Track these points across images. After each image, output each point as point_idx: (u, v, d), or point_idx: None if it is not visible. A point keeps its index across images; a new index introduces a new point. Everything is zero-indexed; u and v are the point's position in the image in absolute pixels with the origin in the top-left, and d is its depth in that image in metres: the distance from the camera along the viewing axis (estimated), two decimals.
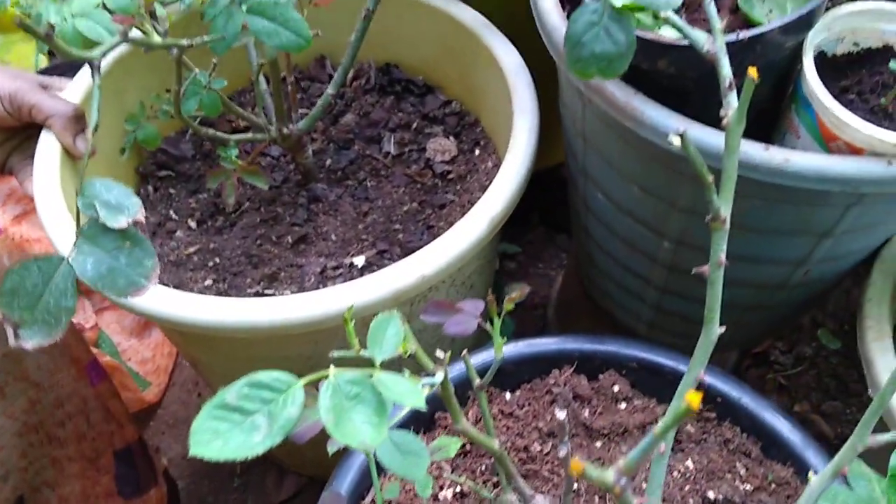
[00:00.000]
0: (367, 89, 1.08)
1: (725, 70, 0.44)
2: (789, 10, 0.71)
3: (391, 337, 0.41)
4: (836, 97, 0.69)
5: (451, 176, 0.99)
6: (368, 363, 0.43)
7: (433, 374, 0.49)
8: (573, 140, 0.87)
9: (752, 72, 0.42)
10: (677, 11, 0.64)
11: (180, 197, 1.00)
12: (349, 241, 0.94)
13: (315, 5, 0.79)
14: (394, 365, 0.43)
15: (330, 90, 0.90)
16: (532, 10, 0.78)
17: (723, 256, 0.45)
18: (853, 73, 0.71)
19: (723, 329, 0.47)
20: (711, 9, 0.45)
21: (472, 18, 0.97)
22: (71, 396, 0.79)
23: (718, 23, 0.45)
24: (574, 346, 0.72)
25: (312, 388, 0.41)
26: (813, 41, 0.67)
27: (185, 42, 0.67)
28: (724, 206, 0.43)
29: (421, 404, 0.38)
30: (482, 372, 0.61)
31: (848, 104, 0.68)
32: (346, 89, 1.09)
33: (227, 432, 0.36)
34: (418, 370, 0.47)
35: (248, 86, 1.11)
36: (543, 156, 1.08)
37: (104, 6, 0.73)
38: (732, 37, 0.62)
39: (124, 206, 0.51)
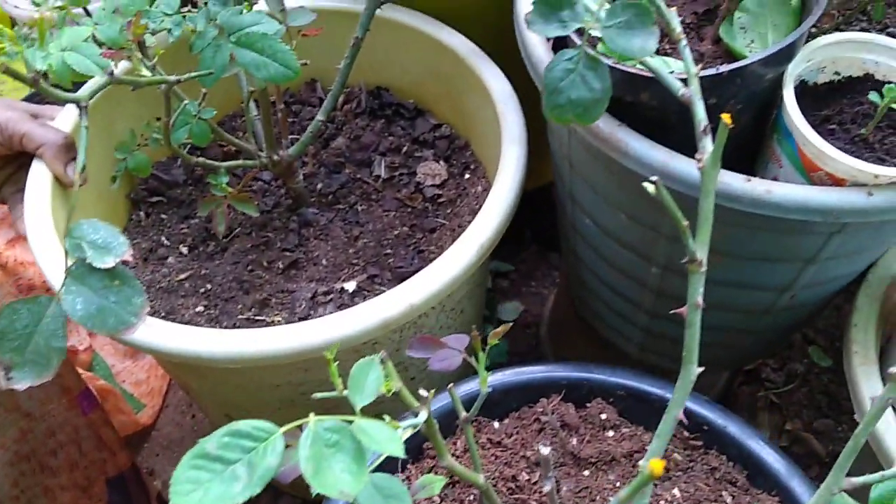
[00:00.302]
0: (357, 113, 1.09)
1: (700, 114, 0.45)
2: (770, 42, 0.72)
3: (372, 382, 0.42)
4: (817, 127, 0.69)
5: (441, 200, 1.00)
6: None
7: (416, 414, 0.50)
8: (560, 164, 0.88)
9: (726, 118, 0.43)
10: (660, 41, 0.65)
11: (172, 223, 1.00)
12: (340, 266, 0.94)
13: (304, 36, 0.80)
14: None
15: (320, 116, 0.91)
16: (518, 40, 0.79)
17: (700, 299, 0.46)
18: (834, 102, 0.72)
19: (701, 370, 0.48)
20: (686, 53, 0.46)
21: (462, 44, 0.97)
22: (63, 426, 0.79)
23: (693, 67, 0.46)
24: (562, 374, 0.73)
25: (297, 428, 0.41)
26: (793, 72, 0.68)
27: (173, 78, 0.67)
28: (701, 250, 0.44)
29: (400, 453, 0.38)
30: (470, 402, 0.61)
31: (829, 134, 0.69)
32: (337, 113, 1.09)
33: (207, 482, 0.36)
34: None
35: (240, 110, 1.11)
36: (537, 174, 1.09)
37: (94, 38, 0.74)
38: (712, 70, 0.63)
39: (112, 246, 0.51)
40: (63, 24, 0.80)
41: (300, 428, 0.41)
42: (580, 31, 0.44)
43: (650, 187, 0.41)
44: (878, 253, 0.83)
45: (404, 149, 1.05)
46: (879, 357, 0.83)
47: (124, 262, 0.51)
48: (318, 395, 0.47)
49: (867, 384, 0.76)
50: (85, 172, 0.87)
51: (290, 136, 1.06)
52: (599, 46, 0.47)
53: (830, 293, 0.85)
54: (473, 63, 0.95)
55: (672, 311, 0.47)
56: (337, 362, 0.77)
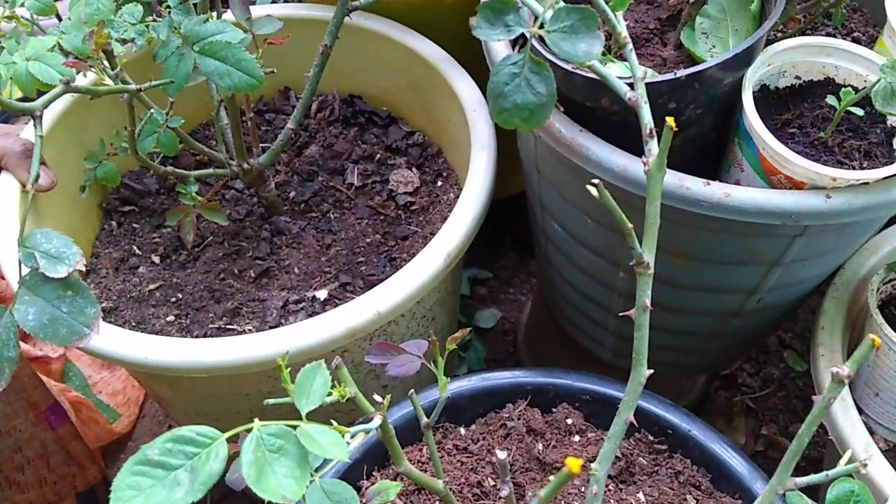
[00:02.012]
0: (331, 121, 1.09)
1: (646, 118, 0.45)
2: (731, 45, 0.72)
3: (319, 387, 0.42)
4: (777, 130, 0.70)
5: (413, 207, 1.00)
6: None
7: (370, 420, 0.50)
8: (529, 171, 0.88)
9: (670, 121, 0.43)
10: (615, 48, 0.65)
11: (144, 232, 1.00)
12: (312, 275, 0.94)
13: (270, 44, 0.80)
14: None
15: (290, 125, 0.91)
16: (483, 46, 0.79)
17: (648, 301, 0.46)
18: (795, 105, 0.72)
19: (650, 371, 0.48)
20: (632, 57, 0.46)
21: (433, 52, 0.98)
22: (30, 441, 0.79)
23: (640, 71, 0.46)
24: (528, 379, 0.73)
25: (244, 433, 0.41)
26: (752, 77, 0.68)
27: (133, 87, 0.67)
28: (648, 252, 0.44)
29: (344, 457, 0.38)
30: (434, 407, 0.61)
31: (789, 138, 0.70)
32: (311, 121, 1.10)
33: (149, 488, 0.36)
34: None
35: (212, 119, 1.11)
36: (515, 181, 1.10)
37: (60, 48, 0.74)
38: (669, 75, 0.64)
39: (65, 256, 0.51)
40: (31, 33, 0.81)
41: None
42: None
43: (593, 190, 0.42)
44: (844, 256, 0.83)
45: (377, 156, 1.05)
46: (847, 359, 0.84)
47: (77, 272, 0.51)
48: (271, 401, 0.47)
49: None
50: (54, 180, 0.87)
51: (263, 145, 1.06)
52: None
53: (799, 296, 0.86)
54: (444, 70, 0.95)
55: (621, 314, 0.47)
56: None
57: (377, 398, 0.51)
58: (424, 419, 0.59)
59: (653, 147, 0.44)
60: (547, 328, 1.29)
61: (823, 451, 1.17)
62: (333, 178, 1.04)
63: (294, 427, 0.39)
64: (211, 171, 0.92)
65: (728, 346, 0.96)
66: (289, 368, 0.49)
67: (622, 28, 0.46)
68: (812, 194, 0.64)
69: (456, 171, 1.01)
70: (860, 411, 0.83)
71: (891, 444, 0.84)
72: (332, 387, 0.48)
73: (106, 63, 0.69)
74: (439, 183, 1.01)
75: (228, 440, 0.39)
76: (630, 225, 0.44)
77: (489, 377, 0.73)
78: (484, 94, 0.93)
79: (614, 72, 0.69)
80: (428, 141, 1.05)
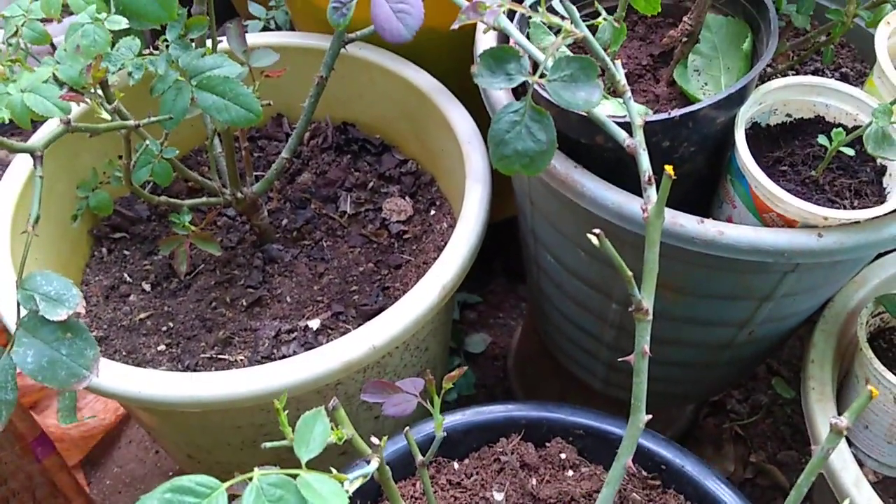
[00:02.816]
0: (324, 148, 1.09)
1: (644, 164, 0.46)
2: (723, 84, 0.73)
3: (319, 434, 0.42)
4: (769, 168, 0.71)
5: (406, 236, 1.00)
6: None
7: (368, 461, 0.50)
8: (522, 201, 0.89)
9: (669, 169, 0.43)
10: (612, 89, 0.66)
11: (135, 259, 1.00)
12: (304, 304, 0.94)
13: (267, 77, 0.80)
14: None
15: (284, 154, 0.91)
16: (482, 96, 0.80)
17: (647, 347, 0.46)
18: (786, 143, 0.73)
19: (649, 417, 0.48)
20: (631, 105, 0.46)
21: (428, 82, 0.98)
22: (15, 473, 0.78)
23: (638, 118, 0.46)
24: (521, 413, 0.73)
25: (244, 481, 0.41)
26: (745, 115, 0.69)
27: (131, 123, 0.67)
28: (647, 298, 0.45)
29: None
30: (430, 442, 0.61)
31: (780, 175, 0.70)
32: (304, 148, 1.10)
33: None
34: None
35: (205, 144, 1.11)
36: (505, 206, 1.10)
37: (55, 77, 0.74)
38: (664, 115, 0.64)
39: (64, 299, 0.51)
40: (24, 62, 0.81)
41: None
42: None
43: (594, 239, 0.42)
44: (834, 289, 0.84)
45: (370, 184, 1.05)
46: (837, 391, 0.85)
47: (77, 315, 0.51)
48: (268, 444, 0.47)
49: (824, 421, 0.77)
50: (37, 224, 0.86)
51: (256, 172, 1.06)
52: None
53: (789, 328, 0.86)
54: (438, 101, 0.96)
55: (620, 360, 0.47)
56: (299, 403, 0.77)
57: (374, 440, 0.51)
58: (420, 457, 0.59)
59: (651, 194, 0.45)
60: (537, 354, 1.29)
61: (812, 479, 1.17)
62: (326, 205, 1.04)
63: (294, 476, 0.39)
64: (204, 199, 0.92)
65: (719, 376, 0.97)
66: (285, 411, 0.49)
67: (621, 76, 0.47)
68: (804, 233, 0.65)
69: (449, 200, 1.01)
70: (849, 443, 0.83)
71: (880, 477, 0.85)
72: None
73: (102, 94, 0.69)
74: (432, 212, 1.02)
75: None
76: (630, 273, 0.45)
77: (483, 411, 0.73)
78: (478, 125, 0.94)
79: (608, 109, 0.70)
80: (421, 169, 1.06)
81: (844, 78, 0.87)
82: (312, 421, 0.42)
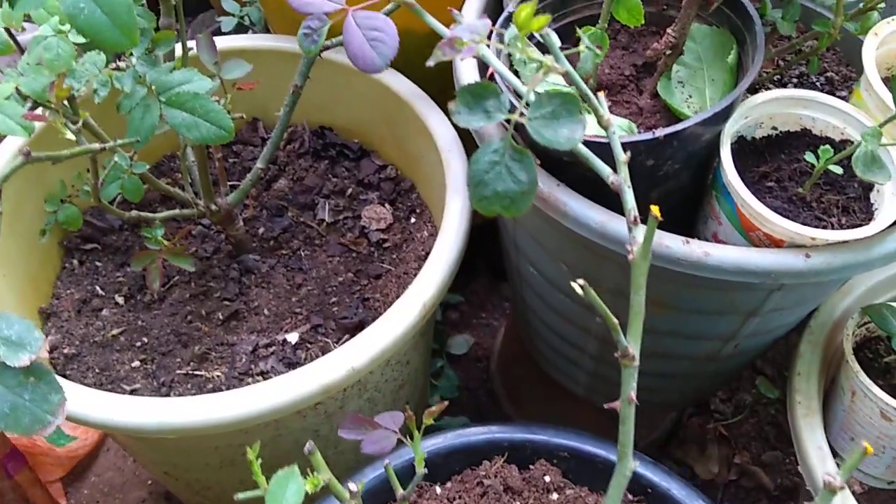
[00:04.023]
0: (300, 153, 1.07)
1: (629, 203, 0.44)
2: (708, 96, 0.72)
3: (292, 494, 0.40)
4: (755, 183, 0.69)
5: (386, 245, 0.98)
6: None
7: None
8: None
9: (655, 210, 0.42)
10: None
11: (107, 270, 0.97)
12: (282, 316, 0.92)
13: (239, 89, 0.78)
14: None
15: (259, 164, 0.89)
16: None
17: (633, 394, 0.45)
18: (772, 157, 0.72)
19: (637, 464, 0.47)
20: (615, 139, 0.45)
21: (407, 88, 0.96)
22: None
23: (622, 154, 0.45)
24: (504, 435, 0.72)
25: None
26: (730, 131, 0.67)
27: (97, 146, 0.65)
28: (634, 343, 0.43)
29: None
30: (411, 468, 0.59)
31: (767, 192, 0.69)
32: (280, 153, 1.07)
33: None
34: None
35: (177, 150, 1.08)
36: None
37: (17, 91, 0.71)
38: (648, 135, 0.63)
39: (26, 342, 0.49)
40: None
41: None
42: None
43: (578, 289, 0.40)
44: (821, 301, 0.83)
45: (349, 191, 1.03)
46: (823, 401, 0.84)
47: (39, 359, 0.49)
48: (241, 495, 0.45)
49: (810, 437, 0.76)
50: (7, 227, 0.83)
51: (231, 180, 1.04)
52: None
53: (775, 339, 0.86)
54: (417, 107, 0.94)
55: (606, 405, 0.45)
56: (278, 424, 0.75)
57: (352, 486, 0.49)
58: (400, 491, 0.57)
59: (637, 235, 0.43)
60: (521, 355, 1.28)
61: (796, 479, 1.17)
62: (304, 213, 1.02)
63: None
64: (176, 212, 0.89)
65: (703, 385, 0.96)
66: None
67: (605, 111, 0.45)
68: (791, 253, 0.63)
69: (430, 208, 0.99)
70: (835, 454, 0.83)
71: (865, 488, 0.85)
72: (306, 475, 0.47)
73: (66, 113, 0.67)
74: (412, 219, 1.00)
75: None
76: (615, 321, 0.43)
77: (465, 433, 0.72)
78: (458, 131, 0.91)
79: (589, 127, 0.68)
80: (400, 175, 1.04)
81: (830, 82, 0.86)
82: (286, 480, 0.41)
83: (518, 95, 0.43)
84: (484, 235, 1.30)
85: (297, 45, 1.01)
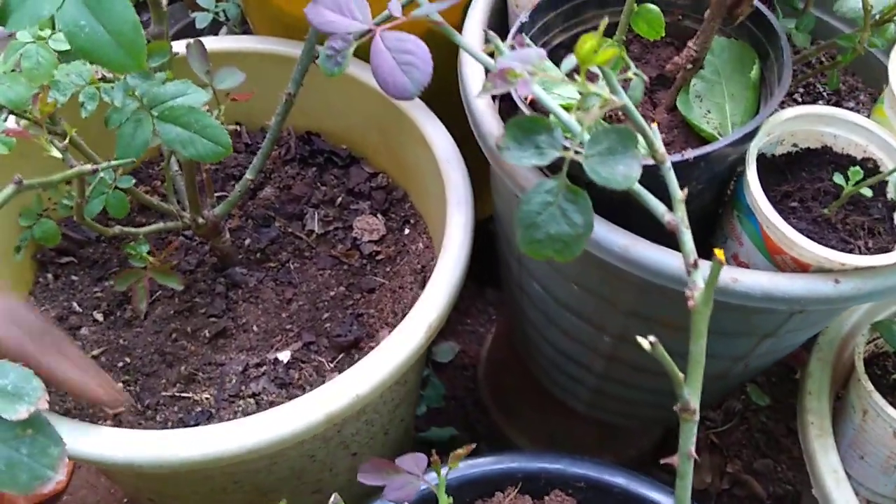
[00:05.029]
0: (287, 160, 1.02)
1: (688, 244, 0.41)
2: (728, 113, 0.69)
3: None
4: (777, 203, 0.67)
5: (379, 257, 0.94)
6: None
7: None
8: (506, 227, 0.84)
9: (719, 254, 0.39)
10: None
11: (84, 285, 0.92)
12: (272, 333, 0.88)
13: (233, 100, 0.73)
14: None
15: (248, 175, 0.84)
16: (462, 100, 0.74)
17: (692, 448, 0.42)
18: (794, 175, 0.70)
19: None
20: (671, 176, 0.42)
21: None
22: None
23: (679, 193, 0.42)
24: (517, 465, 0.69)
25: None
26: (755, 151, 0.65)
27: (88, 168, 0.60)
28: (694, 397, 0.40)
29: None
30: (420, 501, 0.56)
31: (791, 212, 0.67)
32: None
33: None
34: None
35: (160, 155, 1.03)
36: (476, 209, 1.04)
37: None
38: (678, 157, 0.60)
39: (24, 393, 0.44)
40: None
41: None
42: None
43: (646, 344, 0.37)
44: (833, 321, 0.82)
45: (338, 200, 0.99)
46: (832, 416, 0.82)
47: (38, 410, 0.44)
48: None
49: (824, 459, 0.75)
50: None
51: (216, 190, 0.99)
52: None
53: (783, 356, 0.84)
54: (414, 115, 0.90)
55: (663, 462, 0.43)
56: (276, 454, 0.71)
57: None
58: None
59: (697, 279, 0.40)
60: (509, 363, 1.25)
61: (788, 487, 1.17)
62: (292, 223, 0.97)
63: None
64: (161, 225, 0.85)
65: (704, 400, 0.94)
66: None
67: (660, 144, 0.42)
68: (820, 279, 0.61)
69: (424, 218, 0.96)
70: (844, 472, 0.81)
71: None
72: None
73: (49, 129, 0.62)
74: (406, 231, 0.96)
75: None
76: (681, 375, 0.40)
77: (476, 464, 0.69)
78: (456, 140, 0.88)
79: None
80: (393, 184, 1.00)
81: (837, 93, 0.84)
82: None
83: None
84: None
85: (285, 48, 0.98)
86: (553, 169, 0.59)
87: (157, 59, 0.63)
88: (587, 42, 0.35)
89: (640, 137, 0.44)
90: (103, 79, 0.66)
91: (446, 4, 0.45)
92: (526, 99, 0.61)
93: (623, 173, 0.39)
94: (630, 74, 0.43)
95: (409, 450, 1.08)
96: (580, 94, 0.38)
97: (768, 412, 1.24)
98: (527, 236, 0.39)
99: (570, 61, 0.38)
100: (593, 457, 1.13)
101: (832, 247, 0.62)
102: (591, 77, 0.42)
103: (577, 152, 0.39)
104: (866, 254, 0.63)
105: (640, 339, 0.38)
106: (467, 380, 1.31)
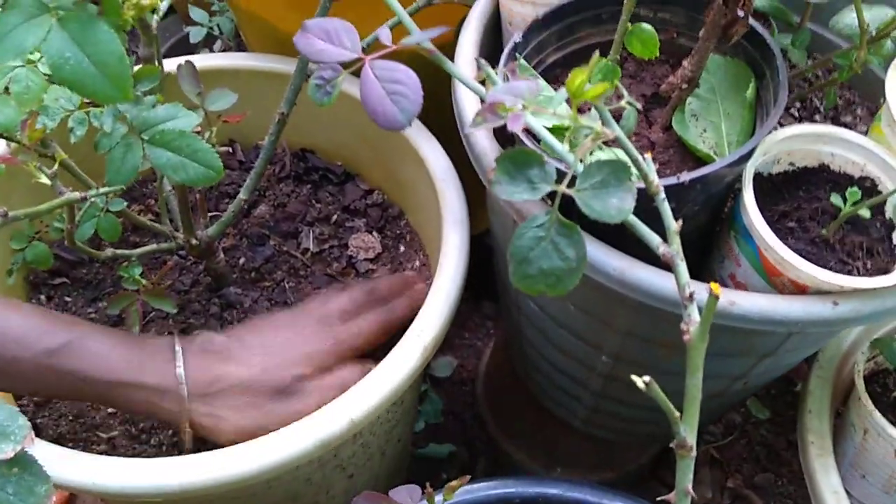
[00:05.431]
0: (281, 177, 1.02)
1: (684, 277, 0.40)
2: (724, 132, 0.69)
3: None
4: (775, 223, 0.67)
5: (376, 275, 0.93)
6: None
7: None
8: (502, 244, 0.83)
9: (715, 288, 0.38)
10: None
11: (77, 306, 0.91)
12: None
13: (225, 122, 0.72)
14: None
15: (242, 195, 0.83)
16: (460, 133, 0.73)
17: (689, 486, 0.41)
18: (790, 194, 0.69)
19: None
20: (665, 207, 0.41)
21: None
22: None
23: (674, 225, 0.41)
24: (514, 490, 0.68)
25: None
26: (751, 170, 0.64)
27: (77, 196, 0.59)
28: (690, 433, 0.40)
29: None
30: None
31: (788, 233, 0.66)
32: None
33: None
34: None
35: (153, 173, 1.02)
36: (472, 224, 1.03)
37: None
38: (673, 180, 0.59)
39: (9, 431, 0.44)
40: None
41: None
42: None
43: (640, 384, 0.37)
44: (833, 339, 0.81)
45: (334, 218, 0.98)
46: (832, 434, 0.82)
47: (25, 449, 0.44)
48: None
49: (825, 479, 0.74)
50: None
51: (208, 206, 0.98)
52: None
53: (783, 374, 0.83)
54: (408, 132, 0.89)
55: (660, 500, 0.42)
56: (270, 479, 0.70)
57: None
58: None
59: (693, 313, 0.40)
60: (507, 378, 1.24)
61: (789, 501, 1.16)
62: (287, 242, 0.97)
63: None
64: (154, 247, 0.84)
65: (703, 419, 0.93)
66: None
67: (654, 176, 0.41)
68: (819, 301, 0.61)
69: (420, 236, 0.95)
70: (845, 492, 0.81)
71: None
72: None
73: (37, 162, 0.61)
74: (402, 248, 0.95)
75: None
76: (677, 414, 0.39)
77: (472, 489, 0.68)
78: (452, 157, 0.87)
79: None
80: (388, 201, 0.99)
81: (834, 108, 0.84)
82: None
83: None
84: None
85: (278, 64, 0.97)
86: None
87: (147, 84, 0.62)
88: (577, 77, 0.35)
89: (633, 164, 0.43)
90: (93, 103, 0.65)
91: (437, 32, 0.45)
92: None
93: (617, 206, 0.38)
94: (623, 104, 0.42)
95: (406, 468, 1.08)
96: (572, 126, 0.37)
97: (768, 425, 1.23)
98: (519, 271, 0.39)
99: (561, 95, 0.37)
100: (592, 472, 1.14)
101: (830, 268, 0.61)
102: (584, 108, 0.41)
103: (570, 184, 0.38)
104: (865, 275, 0.62)
105: (634, 378, 0.37)
106: (466, 395, 1.30)
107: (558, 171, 0.41)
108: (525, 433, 1.19)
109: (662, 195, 0.41)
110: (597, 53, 0.39)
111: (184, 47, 1.37)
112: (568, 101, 0.37)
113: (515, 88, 0.37)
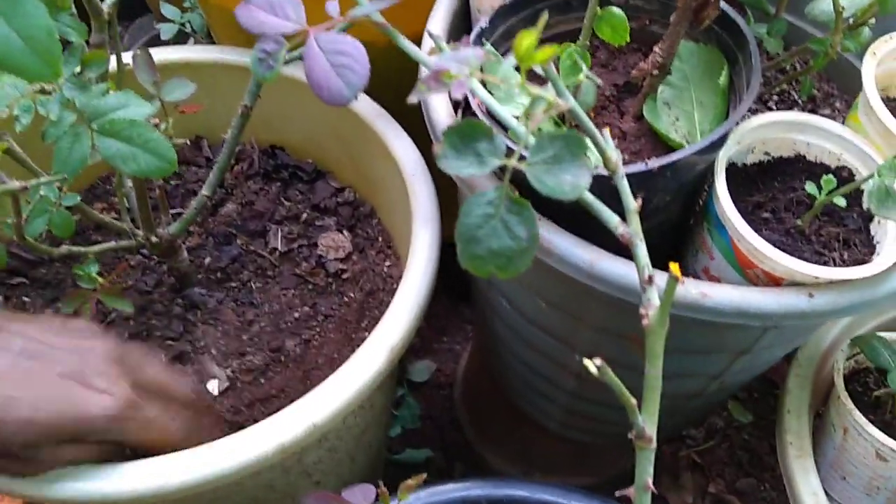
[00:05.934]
0: (249, 175, 0.99)
1: (643, 259, 0.38)
2: (697, 121, 0.66)
3: None
4: (749, 214, 0.64)
5: (346, 276, 0.91)
6: None
7: None
8: None
9: (675, 268, 0.36)
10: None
11: (36, 307, 0.88)
12: (232, 356, 0.84)
13: (182, 112, 0.70)
14: None
15: (205, 192, 0.81)
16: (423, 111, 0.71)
17: (649, 480, 0.39)
18: (765, 184, 0.67)
19: None
20: (623, 184, 0.39)
21: (367, 107, 0.88)
22: None
23: (633, 204, 0.39)
24: (481, 492, 0.65)
25: None
26: (724, 159, 0.62)
27: (17, 185, 0.57)
28: (650, 424, 0.37)
29: None
30: None
31: (763, 224, 0.64)
32: (227, 175, 0.99)
33: None
34: None
35: (114, 171, 0.99)
36: (448, 226, 1.01)
37: None
38: (641, 166, 0.57)
39: None
40: None
41: None
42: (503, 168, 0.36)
43: (593, 368, 0.34)
44: (811, 336, 0.79)
45: (303, 216, 0.95)
46: (812, 434, 0.80)
47: None
48: None
49: (804, 481, 0.72)
50: None
51: (174, 204, 0.96)
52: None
53: (761, 373, 0.81)
54: (379, 128, 0.87)
55: (618, 494, 0.39)
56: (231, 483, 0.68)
57: None
58: None
59: (653, 297, 0.37)
60: (485, 383, 1.22)
61: None
62: (254, 241, 0.94)
63: None
64: (112, 245, 0.81)
65: (680, 422, 0.91)
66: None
67: (613, 152, 0.39)
68: (794, 294, 0.58)
69: (392, 235, 0.93)
70: (826, 495, 0.78)
71: None
72: None
73: None
74: (374, 249, 0.93)
75: None
76: (633, 402, 0.37)
77: (437, 492, 0.65)
78: (423, 153, 0.85)
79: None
80: (359, 199, 0.97)
81: (812, 100, 0.82)
82: None
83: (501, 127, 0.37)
84: (442, 254, 1.24)
85: (244, 58, 0.94)
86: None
87: (95, 69, 0.59)
88: (525, 39, 0.32)
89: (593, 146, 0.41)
90: (42, 90, 0.62)
91: (387, 3, 0.42)
92: (481, 106, 0.58)
93: (570, 183, 0.36)
94: (581, 77, 0.40)
95: (380, 475, 1.05)
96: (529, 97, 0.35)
97: (751, 429, 1.21)
98: (467, 251, 0.36)
99: (510, 61, 0.35)
100: (571, 477, 1.11)
101: (806, 259, 0.59)
102: (541, 81, 0.39)
103: (521, 158, 0.36)
104: (841, 266, 0.60)
105: (587, 361, 0.35)
106: (444, 399, 1.27)
107: (512, 148, 0.38)
108: (503, 437, 1.17)
109: (621, 173, 0.38)
110: (545, 13, 0.37)
111: (156, 46, 1.34)
112: (518, 68, 0.34)
113: (461, 56, 0.35)
